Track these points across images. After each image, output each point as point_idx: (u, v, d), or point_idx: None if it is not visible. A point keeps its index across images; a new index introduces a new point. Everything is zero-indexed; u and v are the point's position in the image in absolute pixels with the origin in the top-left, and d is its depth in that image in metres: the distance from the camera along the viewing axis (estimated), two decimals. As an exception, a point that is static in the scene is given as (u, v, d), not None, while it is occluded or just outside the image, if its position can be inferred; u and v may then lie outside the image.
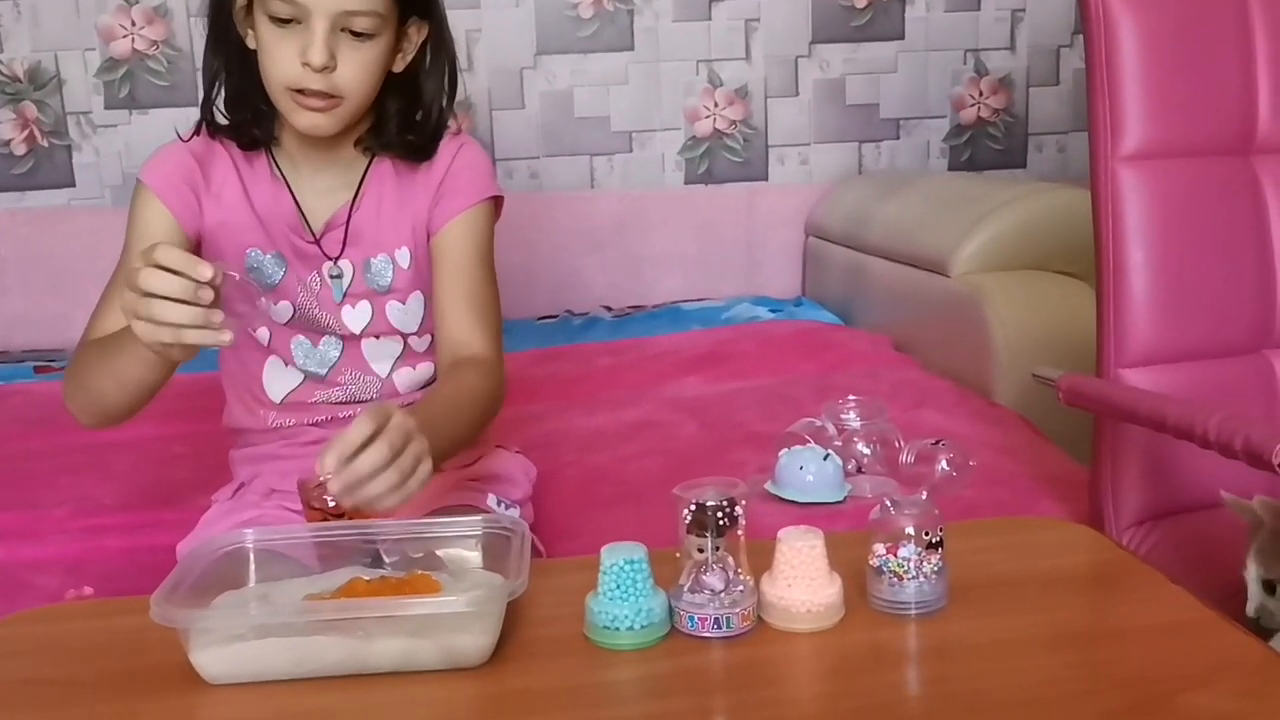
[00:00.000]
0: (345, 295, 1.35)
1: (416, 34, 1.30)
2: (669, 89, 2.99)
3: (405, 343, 1.38)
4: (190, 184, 1.30)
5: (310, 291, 1.34)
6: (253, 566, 1.05)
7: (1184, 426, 1.08)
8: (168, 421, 2.05)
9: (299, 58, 1.21)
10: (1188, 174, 1.32)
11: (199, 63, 2.78)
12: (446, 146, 1.36)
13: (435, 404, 1.23)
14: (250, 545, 1.05)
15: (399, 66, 1.30)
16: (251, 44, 1.26)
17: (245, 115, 1.30)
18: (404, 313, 1.37)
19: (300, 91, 1.23)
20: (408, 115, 1.33)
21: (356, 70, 1.24)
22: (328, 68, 1.21)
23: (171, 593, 0.94)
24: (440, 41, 1.32)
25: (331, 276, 1.34)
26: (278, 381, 1.37)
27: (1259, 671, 0.90)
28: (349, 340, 1.36)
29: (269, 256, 1.33)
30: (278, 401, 1.37)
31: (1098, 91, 1.30)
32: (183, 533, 1.36)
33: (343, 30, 1.22)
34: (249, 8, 1.25)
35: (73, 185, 2.80)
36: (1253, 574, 1.08)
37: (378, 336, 1.37)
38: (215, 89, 1.30)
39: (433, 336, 1.38)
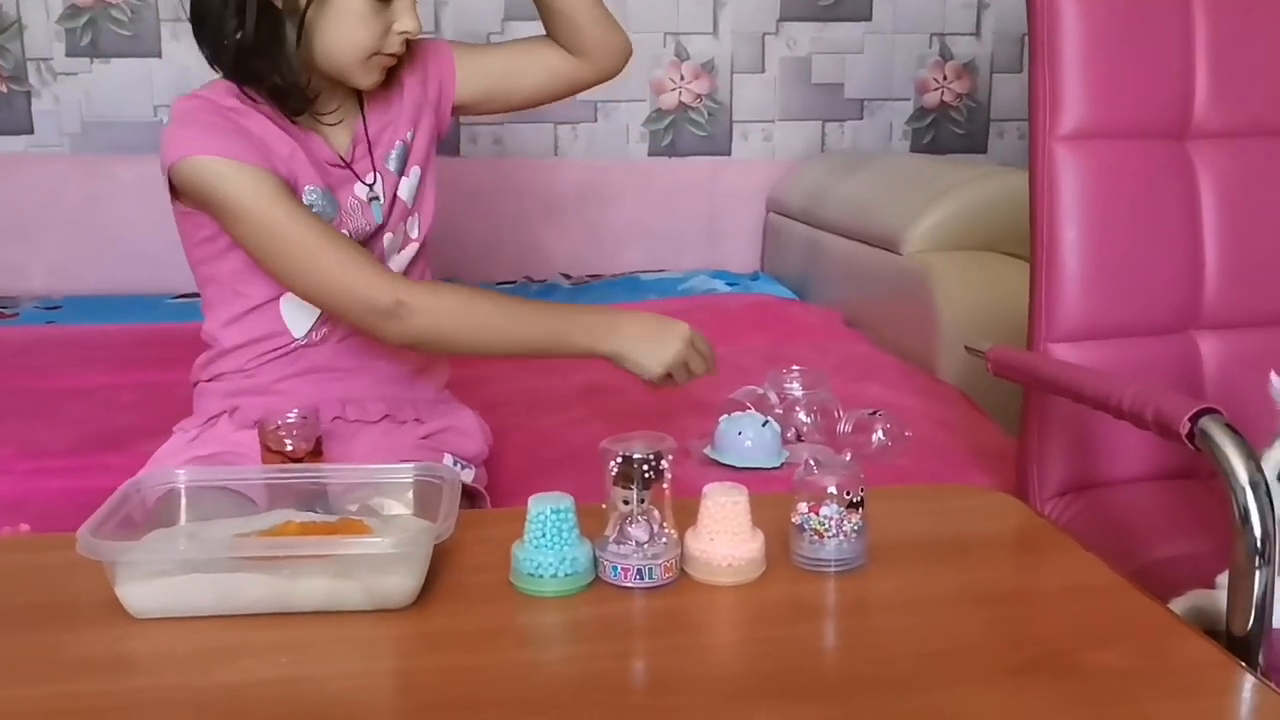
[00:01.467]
0: (381, 199, 1.37)
1: None
2: (635, 60, 2.94)
3: (420, 249, 1.42)
4: (243, 136, 1.25)
5: (356, 215, 1.35)
6: (184, 504, 1.06)
7: (1100, 397, 1.10)
8: (119, 370, 2.06)
9: (392, 27, 1.26)
10: (1124, 155, 1.35)
11: (163, 13, 2.78)
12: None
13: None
14: (182, 484, 1.06)
15: None
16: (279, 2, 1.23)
17: (296, 81, 1.26)
18: (409, 187, 1.39)
19: (380, 54, 1.27)
20: None
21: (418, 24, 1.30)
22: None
23: (100, 527, 0.95)
24: None
25: (370, 199, 1.36)
26: (299, 317, 1.35)
27: (1158, 633, 0.94)
28: (381, 244, 1.37)
29: (320, 191, 1.31)
30: (300, 336, 1.36)
31: (1039, 70, 1.32)
32: (125, 476, 1.33)
33: None
34: None
35: (31, 132, 2.77)
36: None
37: (402, 248, 1.40)
38: (260, 59, 1.24)
39: (422, 222, 1.42)
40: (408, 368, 1.43)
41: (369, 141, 1.36)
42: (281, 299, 1.35)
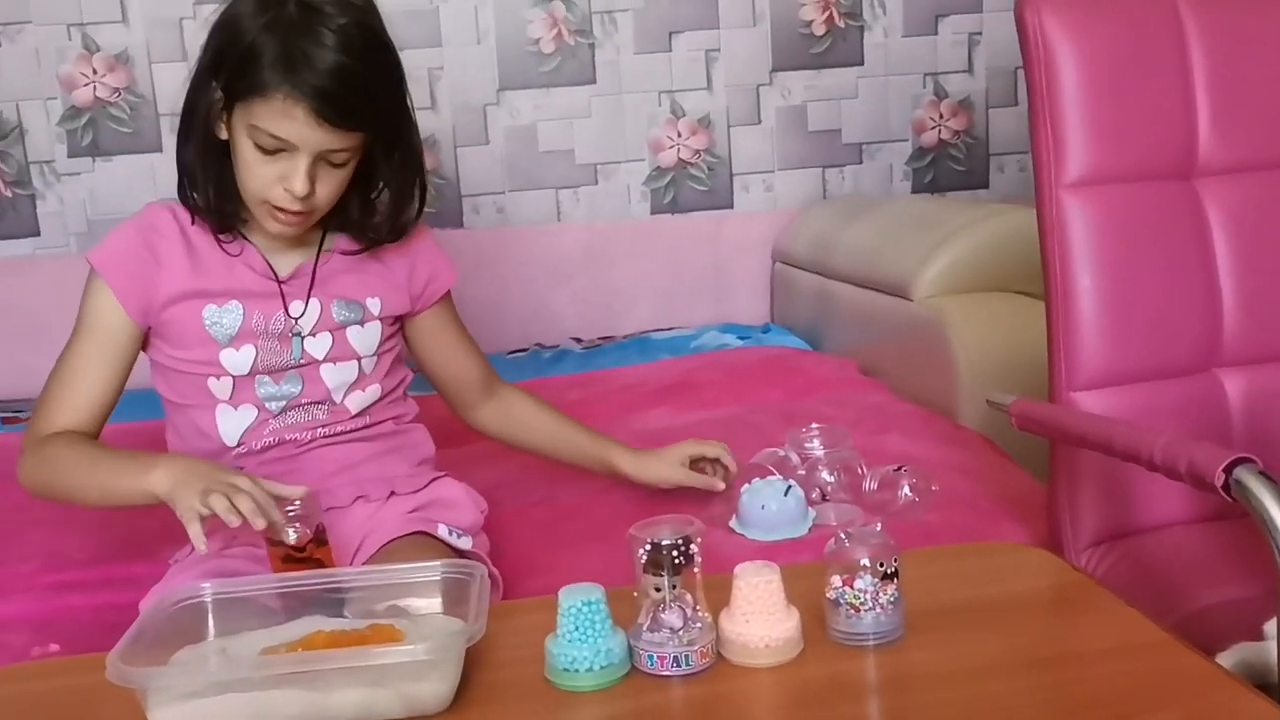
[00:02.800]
0: (311, 331, 1.40)
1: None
2: (632, 120, 3.00)
3: (359, 366, 1.44)
4: (139, 264, 1.36)
5: (271, 334, 1.39)
6: (211, 619, 1.05)
7: (1131, 450, 1.09)
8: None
9: (280, 183, 1.29)
10: (1131, 199, 1.34)
11: (161, 108, 2.81)
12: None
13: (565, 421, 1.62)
14: (209, 598, 1.05)
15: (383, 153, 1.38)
16: (223, 134, 1.32)
17: (227, 204, 1.36)
18: (363, 336, 1.43)
19: (275, 207, 1.31)
20: (367, 202, 1.41)
21: (331, 191, 1.33)
22: (309, 195, 1.29)
23: (129, 649, 0.94)
24: (408, 153, 1.40)
25: (297, 313, 1.39)
26: (231, 425, 1.40)
27: (1209, 692, 0.92)
28: (309, 369, 1.41)
29: (225, 308, 1.38)
30: (233, 444, 1.40)
31: (1039, 119, 1.32)
32: (151, 585, 1.35)
33: (320, 160, 1.29)
34: (227, 108, 1.30)
35: (37, 234, 2.78)
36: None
37: (335, 362, 1.42)
38: (193, 180, 1.36)
39: (378, 359, 1.46)
40: (374, 448, 1.45)
41: (314, 276, 1.40)
42: (217, 407, 1.39)
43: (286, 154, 1.27)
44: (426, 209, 1.47)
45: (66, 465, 1.32)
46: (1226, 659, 1.04)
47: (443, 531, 1.39)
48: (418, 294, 1.48)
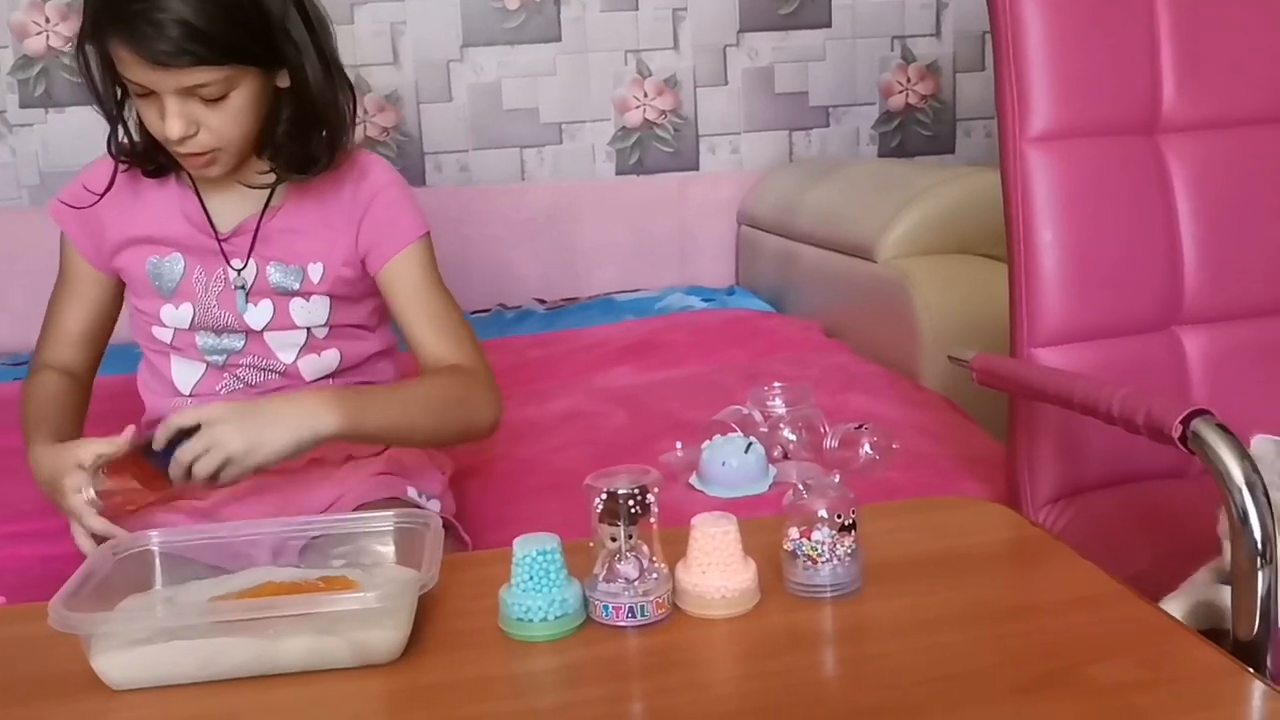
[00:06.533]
0: (249, 294, 1.37)
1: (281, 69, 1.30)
2: (598, 80, 2.98)
3: (309, 333, 1.40)
4: (88, 211, 1.38)
5: (210, 293, 1.37)
6: (159, 567, 1.03)
7: (1089, 403, 1.09)
8: (91, 425, 2.01)
9: (163, 129, 1.25)
10: (1095, 154, 1.34)
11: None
12: (366, 179, 1.38)
13: (384, 390, 1.38)
14: (156, 547, 1.03)
15: (284, 83, 1.30)
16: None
17: (143, 146, 1.34)
18: (307, 310, 1.39)
19: (180, 152, 1.27)
20: (293, 133, 1.33)
21: (221, 126, 1.26)
22: (188, 136, 1.24)
23: (72, 597, 0.92)
24: (298, 80, 1.30)
25: (235, 270, 1.37)
26: (184, 374, 1.41)
27: (1162, 642, 0.92)
28: (251, 334, 1.39)
29: (166, 260, 1.37)
30: (186, 393, 1.41)
31: (1004, 74, 1.31)
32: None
33: (194, 98, 1.23)
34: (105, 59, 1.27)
35: (-11, 187, 2.74)
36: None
37: (279, 330, 1.39)
38: (118, 125, 1.33)
39: (330, 329, 1.41)
40: None
41: (256, 231, 1.36)
42: (171, 354, 1.39)
43: (156, 96, 1.23)
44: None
45: (25, 410, 1.39)
46: (1173, 603, 1.04)
47: (411, 493, 1.38)
48: (365, 252, 1.39)
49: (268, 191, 1.35)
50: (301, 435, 1.21)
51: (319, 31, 1.30)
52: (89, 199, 1.37)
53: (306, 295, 1.38)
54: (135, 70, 1.22)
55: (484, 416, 1.36)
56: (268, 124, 1.31)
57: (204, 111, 1.24)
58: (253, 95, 1.27)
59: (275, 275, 1.37)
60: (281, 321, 1.38)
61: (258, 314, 1.38)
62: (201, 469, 1.18)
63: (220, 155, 1.29)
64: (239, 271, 1.36)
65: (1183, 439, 1.00)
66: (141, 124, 1.31)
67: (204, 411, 1.20)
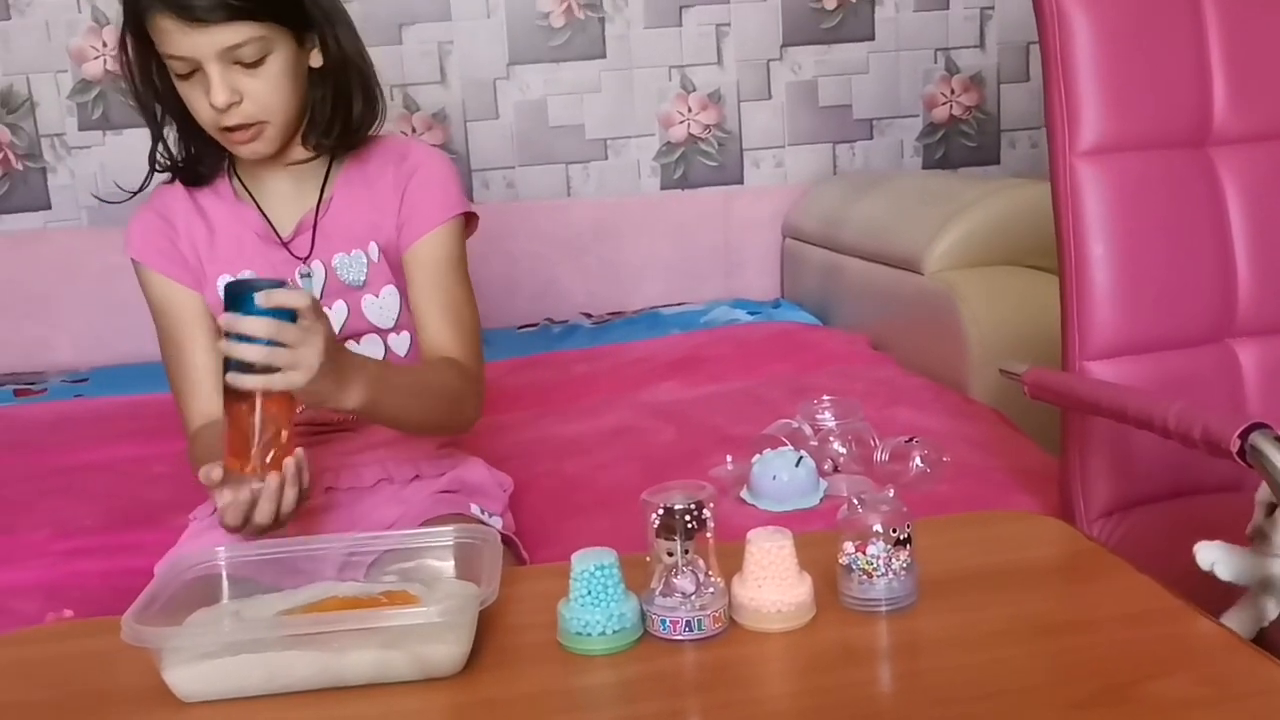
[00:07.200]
0: (321, 296, 1.37)
1: (312, 37, 1.33)
2: (642, 95, 3.00)
3: (385, 344, 1.41)
4: (168, 240, 1.38)
5: None
6: (226, 582, 1.05)
7: (1144, 417, 1.09)
8: (147, 441, 2.05)
9: (209, 101, 1.27)
10: (1145, 167, 1.33)
11: (171, 82, 2.81)
12: (408, 159, 1.40)
13: (406, 377, 1.32)
14: (223, 563, 1.06)
15: (316, 62, 1.34)
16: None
17: (185, 155, 1.37)
18: (379, 307, 1.40)
19: (226, 129, 1.29)
20: (334, 104, 1.36)
21: (263, 94, 1.29)
22: (234, 104, 1.27)
23: (143, 612, 0.94)
24: (334, 44, 1.34)
25: (302, 275, 1.38)
26: None
27: (1222, 658, 0.91)
28: None
29: (240, 278, 1.35)
30: None
31: (1054, 88, 1.31)
32: (162, 553, 1.35)
33: (235, 64, 1.26)
34: (146, 54, 1.30)
35: (48, 208, 2.79)
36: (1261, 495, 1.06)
37: (358, 339, 1.39)
38: (160, 136, 1.36)
39: (411, 336, 1.41)
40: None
41: (315, 229, 1.38)
42: None
43: (200, 72, 1.26)
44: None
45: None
46: (1232, 617, 1.04)
47: (475, 511, 1.39)
48: (401, 224, 1.39)
49: (320, 182, 1.38)
50: (331, 400, 1.17)
51: (340, 8, 1.35)
52: (165, 227, 1.38)
53: (375, 290, 1.39)
54: (176, 40, 1.24)
55: (469, 417, 1.38)
56: (306, 106, 1.35)
57: (245, 80, 1.27)
58: (288, 62, 1.30)
59: (341, 269, 1.38)
60: (356, 324, 1.39)
61: (331, 316, 1.35)
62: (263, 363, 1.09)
63: (265, 129, 1.31)
64: (306, 276, 1.38)
65: (1240, 453, 0.99)
66: (182, 130, 1.34)
67: (311, 318, 1.11)
